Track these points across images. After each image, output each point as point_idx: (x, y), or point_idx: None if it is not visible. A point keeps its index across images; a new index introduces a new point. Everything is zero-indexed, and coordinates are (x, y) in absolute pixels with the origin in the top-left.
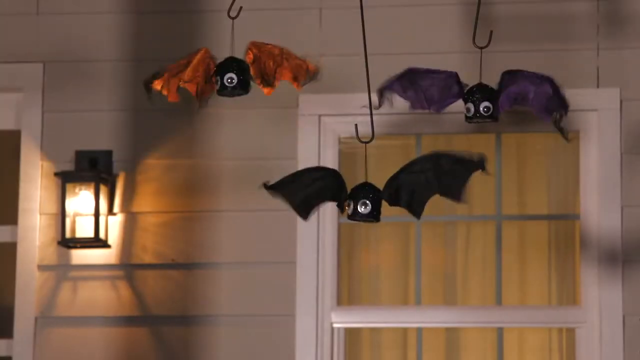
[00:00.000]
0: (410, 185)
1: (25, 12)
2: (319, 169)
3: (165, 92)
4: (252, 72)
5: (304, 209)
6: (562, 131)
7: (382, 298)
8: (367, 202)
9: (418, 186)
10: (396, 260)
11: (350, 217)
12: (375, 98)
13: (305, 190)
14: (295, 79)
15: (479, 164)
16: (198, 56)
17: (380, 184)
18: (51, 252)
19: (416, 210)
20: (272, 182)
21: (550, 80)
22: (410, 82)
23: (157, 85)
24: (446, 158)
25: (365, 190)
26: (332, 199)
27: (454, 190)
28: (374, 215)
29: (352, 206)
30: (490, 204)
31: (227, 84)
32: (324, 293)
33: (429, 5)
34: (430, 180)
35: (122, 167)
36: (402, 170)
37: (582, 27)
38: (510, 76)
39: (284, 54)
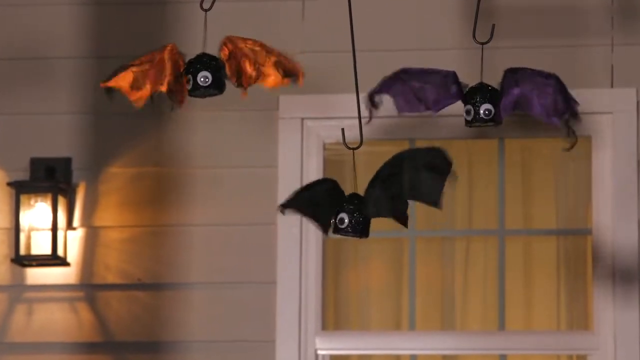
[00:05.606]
0: (386, 195)
1: None
2: (327, 181)
3: (133, 97)
4: (227, 70)
5: (324, 224)
6: (571, 135)
7: (372, 322)
8: (344, 215)
9: (393, 195)
10: (388, 279)
11: (333, 231)
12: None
13: (320, 202)
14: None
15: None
16: (165, 54)
17: None
18: (3, 271)
19: (402, 220)
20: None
21: (556, 79)
22: (402, 83)
23: (120, 82)
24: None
25: (346, 202)
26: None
27: (429, 195)
28: (359, 230)
29: (333, 220)
30: (492, 217)
31: (200, 83)
32: (307, 316)
33: None
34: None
35: (82, 177)
36: (374, 179)
37: (595, 20)
38: (512, 75)
39: (266, 50)
